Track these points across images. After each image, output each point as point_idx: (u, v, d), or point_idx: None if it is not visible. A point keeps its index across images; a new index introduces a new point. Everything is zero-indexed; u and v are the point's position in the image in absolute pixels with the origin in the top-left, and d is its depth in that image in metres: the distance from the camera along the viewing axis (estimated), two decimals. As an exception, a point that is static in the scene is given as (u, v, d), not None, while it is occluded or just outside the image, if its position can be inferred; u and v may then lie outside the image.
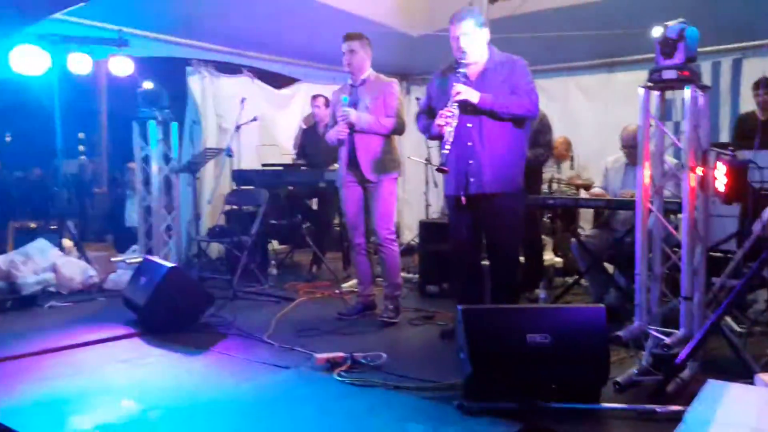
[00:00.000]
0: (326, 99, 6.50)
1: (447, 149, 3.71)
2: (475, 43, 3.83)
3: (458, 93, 3.71)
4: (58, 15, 5.38)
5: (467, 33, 3.81)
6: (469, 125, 3.82)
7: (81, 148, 16.27)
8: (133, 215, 7.48)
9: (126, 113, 6.94)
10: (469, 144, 3.85)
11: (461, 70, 3.79)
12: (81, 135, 15.54)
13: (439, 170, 3.81)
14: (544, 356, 3.02)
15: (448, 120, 3.71)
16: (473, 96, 3.73)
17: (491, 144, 3.81)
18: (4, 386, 3.32)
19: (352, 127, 4.54)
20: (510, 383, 3.00)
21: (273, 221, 6.49)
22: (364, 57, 4.61)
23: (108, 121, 12.28)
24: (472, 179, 3.86)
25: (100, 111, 12.22)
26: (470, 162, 3.85)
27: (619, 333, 3.43)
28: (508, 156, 3.85)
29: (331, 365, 3.54)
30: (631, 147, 4.89)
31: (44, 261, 5.44)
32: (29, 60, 5.40)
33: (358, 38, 4.60)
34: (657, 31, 3.32)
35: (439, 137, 3.83)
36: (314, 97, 6.88)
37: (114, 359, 3.79)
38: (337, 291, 5.53)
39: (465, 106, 3.76)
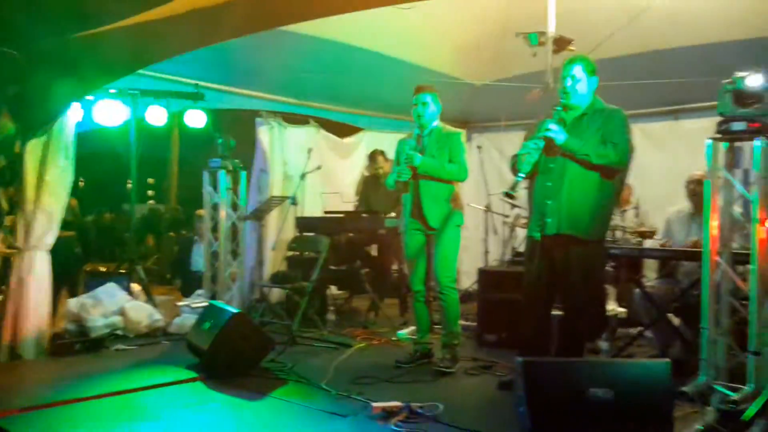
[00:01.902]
0: (384, 155, 6.68)
1: (520, 177, 3.78)
2: (579, 88, 3.91)
3: (548, 129, 3.76)
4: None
5: (574, 76, 3.90)
6: (551, 165, 3.86)
7: (150, 193, 16.93)
8: (199, 260, 7.69)
9: (196, 161, 7.22)
10: (548, 184, 3.88)
11: (557, 107, 3.87)
12: (150, 181, 16.18)
13: (506, 194, 3.84)
14: (606, 411, 2.95)
15: (529, 150, 3.78)
16: (559, 136, 3.77)
17: (571, 187, 3.82)
18: (70, 428, 3.44)
19: (415, 172, 4.59)
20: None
21: (333, 267, 6.58)
22: (435, 109, 4.70)
23: (178, 169, 12.78)
24: (548, 220, 3.87)
25: (171, 159, 12.74)
26: (548, 202, 3.86)
27: (685, 388, 3.32)
28: (588, 203, 3.82)
29: (388, 415, 3.54)
30: (695, 195, 4.80)
31: (113, 304, 5.63)
32: (109, 113, 5.74)
33: (430, 90, 4.70)
34: (735, 82, 3.27)
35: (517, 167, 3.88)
36: (373, 154, 7.02)
37: (176, 403, 3.89)
38: (394, 338, 5.52)
39: (551, 147, 3.80)
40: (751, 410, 2.97)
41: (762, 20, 5.07)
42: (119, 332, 5.54)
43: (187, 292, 7.08)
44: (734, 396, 3.08)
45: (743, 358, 3.29)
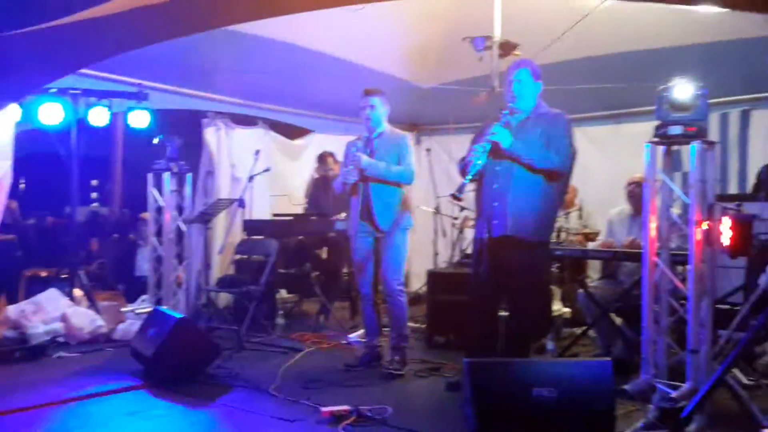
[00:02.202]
0: (333, 157, 6.67)
1: (467, 179, 3.84)
2: (524, 92, 3.97)
3: (494, 133, 3.81)
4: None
5: (520, 81, 3.97)
6: (497, 168, 3.92)
7: (94, 195, 16.49)
8: (143, 265, 7.54)
9: (141, 162, 7.07)
10: (495, 187, 3.94)
11: (504, 111, 3.93)
12: (94, 182, 15.75)
13: (453, 196, 3.89)
14: (549, 411, 3.01)
15: (476, 154, 3.84)
16: (505, 139, 3.82)
17: (517, 190, 3.87)
18: (11, 438, 3.34)
19: (363, 174, 4.59)
20: (515, 438, 2.98)
21: (282, 270, 6.52)
22: (383, 112, 4.71)
23: (122, 171, 12.48)
24: (495, 222, 3.92)
25: (114, 160, 12.43)
26: (495, 204, 3.92)
27: (626, 387, 3.40)
28: (532, 205, 3.88)
29: (337, 419, 3.53)
30: (634, 197, 4.95)
31: (54, 310, 5.46)
32: (51, 114, 5.59)
33: (378, 94, 4.71)
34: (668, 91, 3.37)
35: (465, 170, 3.93)
36: (322, 156, 7.00)
37: (120, 412, 3.79)
38: (344, 341, 5.50)
39: (498, 150, 3.85)
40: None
41: (700, 27, 5.24)
42: (61, 339, 5.37)
43: (131, 298, 6.91)
44: (674, 393, 3.17)
45: (682, 356, 3.39)
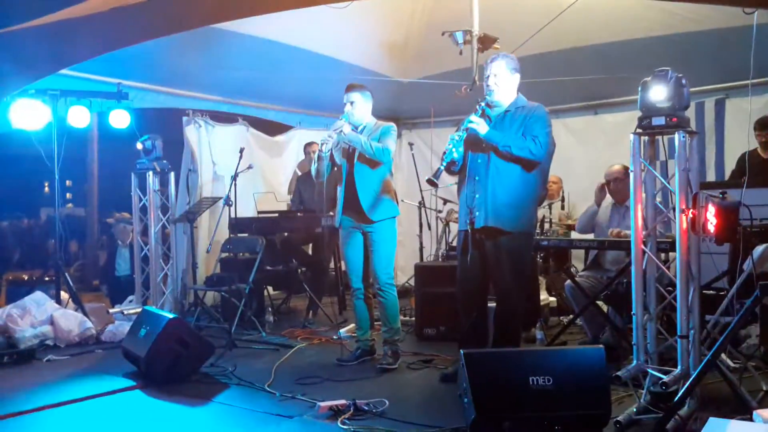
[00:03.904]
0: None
1: (443, 165, 3.93)
2: (502, 85, 4.04)
3: (470, 121, 3.88)
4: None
5: (497, 74, 4.04)
6: (478, 161, 4.00)
7: (68, 196, 16.26)
8: (123, 265, 7.50)
9: (117, 163, 7.02)
10: (476, 178, 4.01)
11: (482, 103, 4.00)
12: (68, 183, 15.55)
13: (428, 181, 3.97)
14: (546, 398, 3.07)
15: (452, 142, 3.92)
16: (482, 128, 3.89)
17: (497, 181, 3.94)
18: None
19: (349, 160, 4.59)
20: (513, 427, 3.03)
21: (269, 267, 6.53)
22: (365, 107, 4.71)
23: (99, 171, 12.34)
24: (477, 213, 3.98)
25: (91, 161, 12.28)
26: (476, 196, 3.98)
27: (619, 373, 3.48)
28: (514, 196, 3.95)
29: (335, 413, 3.56)
30: (610, 188, 5.05)
31: (41, 314, 5.42)
32: (29, 115, 5.51)
33: (359, 89, 4.70)
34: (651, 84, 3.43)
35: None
36: (308, 144, 7.00)
37: (115, 413, 3.80)
38: (335, 337, 5.53)
39: (479, 142, 3.93)
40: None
41: (675, 17, 5.35)
42: (49, 342, 5.34)
43: (114, 298, 6.89)
44: (665, 378, 3.24)
45: (672, 341, 3.47)
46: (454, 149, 3.95)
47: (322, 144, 4.49)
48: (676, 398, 3.11)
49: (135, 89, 6.25)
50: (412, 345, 5.33)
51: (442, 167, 3.96)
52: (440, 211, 6.97)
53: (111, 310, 6.02)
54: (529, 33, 5.58)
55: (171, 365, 4.34)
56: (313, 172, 4.79)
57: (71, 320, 5.51)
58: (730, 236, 3.30)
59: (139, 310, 5.36)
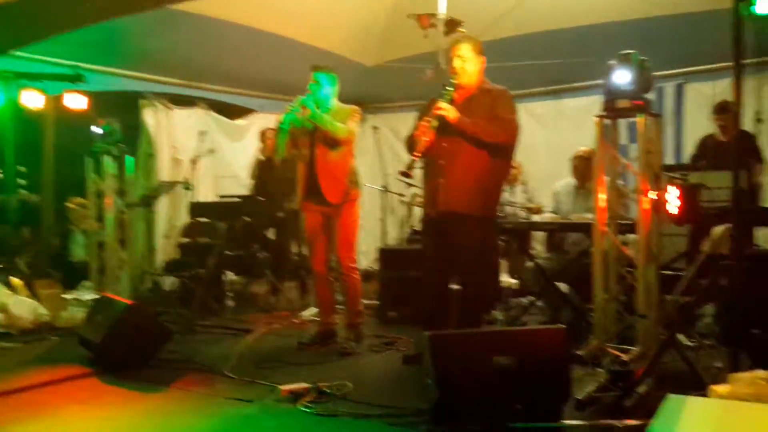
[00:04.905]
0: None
1: (415, 157, 3.84)
2: (468, 68, 3.98)
3: (438, 108, 3.83)
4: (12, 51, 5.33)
5: (463, 57, 3.98)
6: (444, 144, 3.93)
7: (21, 182, 15.80)
8: (78, 250, 7.32)
9: (73, 146, 6.84)
10: (441, 162, 3.95)
11: (448, 87, 3.92)
12: (22, 169, 15.12)
13: (402, 173, 3.90)
14: (508, 378, 3.07)
15: (424, 130, 3.83)
16: (451, 113, 3.84)
17: (462, 166, 3.91)
18: (-43, 432, 3.20)
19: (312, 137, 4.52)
20: (476, 406, 3.03)
21: (229, 252, 6.44)
22: (330, 90, 4.63)
23: (54, 155, 12.00)
24: (441, 197, 3.94)
25: (45, 145, 11.93)
26: (441, 180, 3.94)
27: (579, 352, 3.51)
28: (478, 180, 3.92)
29: (296, 397, 3.51)
30: (578, 170, 5.09)
31: (-7, 301, 5.27)
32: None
33: (325, 70, 4.61)
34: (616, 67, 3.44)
35: (413, 147, 3.94)
36: (264, 132, 6.91)
37: (72, 400, 3.69)
38: (296, 320, 5.48)
39: (445, 126, 3.86)
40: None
41: (636, 2, 5.39)
42: (1, 329, 5.17)
43: (68, 285, 6.70)
44: (624, 357, 3.28)
45: (632, 321, 3.51)
46: (426, 138, 3.88)
47: (284, 114, 4.40)
48: (635, 377, 3.15)
49: (92, 72, 6.08)
50: (374, 328, 5.31)
51: (415, 159, 3.88)
52: (403, 195, 6.95)
53: (66, 297, 5.87)
54: (493, 17, 5.58)
55: (128, 351, 4.24)
56: (281, 151, 4.72)
57: (24, 307, 5.35)
58: (692, 217, 3.34)
59: (94, 295, 5.22)
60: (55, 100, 6.01)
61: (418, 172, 4.26)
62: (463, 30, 5.37)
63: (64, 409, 3.54)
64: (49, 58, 5.78)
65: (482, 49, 4.08)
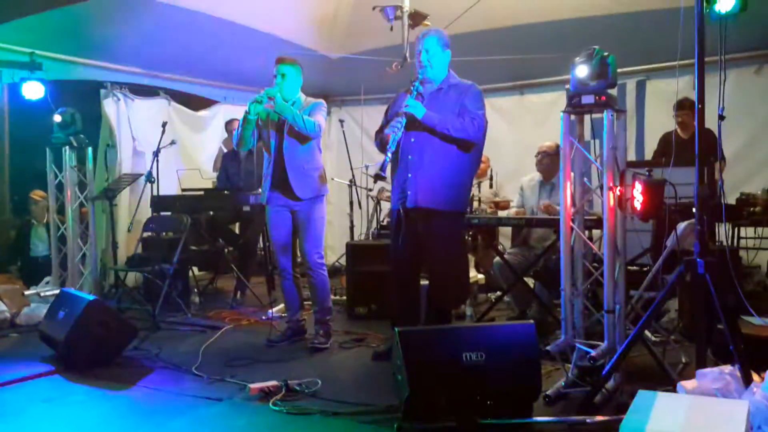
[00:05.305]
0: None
1: (388, 156, 3.84)
2: (434, 61, 3.99)
3: (407, 105, 3.83)
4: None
5: (429, 50, 3.98)
6: (412, 140, 3.94)
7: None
8: (38, 244, 7.14)
9: (30, 138, 6.65)
10: (409, 158, 3.96)
11: (415, 82, 3.93)
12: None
13: (375, 176, 3.89)
14: (479, 373, 3.09)
15: (394, 129, 3.83)
16: (418, 110, 3.84)
17: (431, 161, 3.91)
18: None
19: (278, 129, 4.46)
20: (447, 402, 3.05)
21: (194, 247, 6.35)
22: (295, 82, 4.56)
23: (10, 147, 11.67)
24: (408, 192, 3.95)
25: (2, 135, 11.59)
26: (408, 175, 3.95)
27: (548, 347, 3.55)
28: (447, 176, 3.93)
29: (266, 394, 3.50)
30: (541, 165, 5.14)
31: (-51, 297, 5.11)
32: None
33: (291, 63, 4.53)
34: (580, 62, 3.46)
35: (384, 146, 3.92)
36: (229, 122, 6.82)
37: (35, 399, 3.61)
38: (264, 317, 5.44)
39: (412, 121, 3.86)
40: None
41: (601, 0, 5.46)
42: (-42, 327, 5.04)
43: (28, 280, 6.54)
44: (593, 352, 3.33)
45: (599, 316, 3.56)
46: (397, 137, 3.87)
47: (250, 105, 4.30)
48: (603, 372, 3.20)
49: (49, 60, 5.92)
50: (343, 324, 5.31)
51: (387, 159, 3.87)
52: (371, 190, 6.94)
53: (26, 292, 5.72)
54: (458, 11, 5.59)
55: (92, 349, 4.16)
56: (235, 139, 4.64)
57: (-18, 304, 5.21)
58: (656, 213, 3.39)
59: (56, 292, 5.11)
60: (11, 89, 5.84)
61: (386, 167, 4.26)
62: (428, 23, 5.37)
63: (28, 409, 3.47)
64: (3, 45, 5.60)
65: (448, 42, 4.09)
